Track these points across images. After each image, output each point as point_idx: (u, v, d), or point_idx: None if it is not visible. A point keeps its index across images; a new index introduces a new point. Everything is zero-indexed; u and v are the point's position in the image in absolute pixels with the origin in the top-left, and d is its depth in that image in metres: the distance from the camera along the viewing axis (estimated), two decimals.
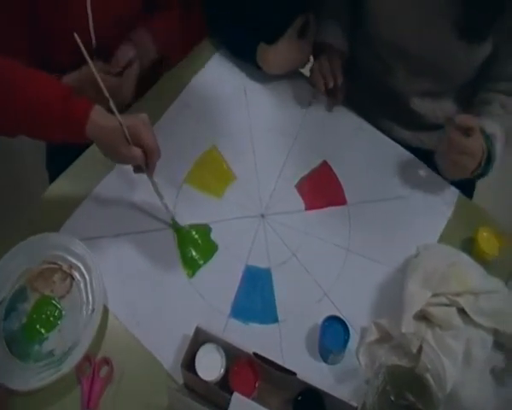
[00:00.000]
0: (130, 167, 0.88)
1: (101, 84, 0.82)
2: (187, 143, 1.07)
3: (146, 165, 0.86)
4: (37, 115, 0.81)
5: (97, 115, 0.82)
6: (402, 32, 1.01)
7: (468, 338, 0.83)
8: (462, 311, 0.85)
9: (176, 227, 0.98)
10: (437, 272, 0.86)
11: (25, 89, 0.82)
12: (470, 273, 0.87)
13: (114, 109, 0.83)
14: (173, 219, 0.97)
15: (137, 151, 0.83)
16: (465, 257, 0.91)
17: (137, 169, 0.88)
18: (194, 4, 1.15)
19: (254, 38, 1.12)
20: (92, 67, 0.81)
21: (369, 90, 1.17)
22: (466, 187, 1.05)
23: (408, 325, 0.81)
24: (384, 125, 1.14)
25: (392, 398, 0.73)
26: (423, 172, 1.06)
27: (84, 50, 0.80)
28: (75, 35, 0.78)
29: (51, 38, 0.98)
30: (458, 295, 0.85)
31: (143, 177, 0.89)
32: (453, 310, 0.85)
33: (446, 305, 0.85)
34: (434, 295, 0.85)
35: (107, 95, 0.83)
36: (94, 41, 1.01)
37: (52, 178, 1.26)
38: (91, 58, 0.82)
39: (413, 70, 1.06)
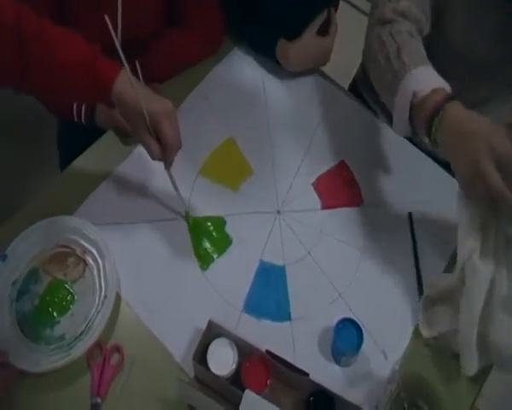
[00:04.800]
0: (147, 155, 0.85)
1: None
2: (204, 134, 1.06)
3: (164, 158, 0.83)
4: (69, 75, 0.79)
5: (123, 84, 0.78)
6: (475, 42, 0.96)
7: None
8: None
9: (189, 219, 0.96)
10: None
11: (64, 48, 0.80)
12: None
13: (140, 98, 0.78)
14: (187, 212, 0.96)
15: (155, 146, 0.80)
16: None
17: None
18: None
19: (274, 33, 1.10)
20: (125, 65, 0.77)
21: None
22: None
23: None
24: None
25: (406, 405, 0.73)
26: (443, 178, 1.04)
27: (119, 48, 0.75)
28: (106, 17, 0.72)
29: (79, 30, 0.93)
30: None
31: (161, 165, 0.86)
32: None
33: None
34: None
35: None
36: (120, 36, 0.97)
37: (63, 158, 1.25)
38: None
39: (473, 76, 1.01)
